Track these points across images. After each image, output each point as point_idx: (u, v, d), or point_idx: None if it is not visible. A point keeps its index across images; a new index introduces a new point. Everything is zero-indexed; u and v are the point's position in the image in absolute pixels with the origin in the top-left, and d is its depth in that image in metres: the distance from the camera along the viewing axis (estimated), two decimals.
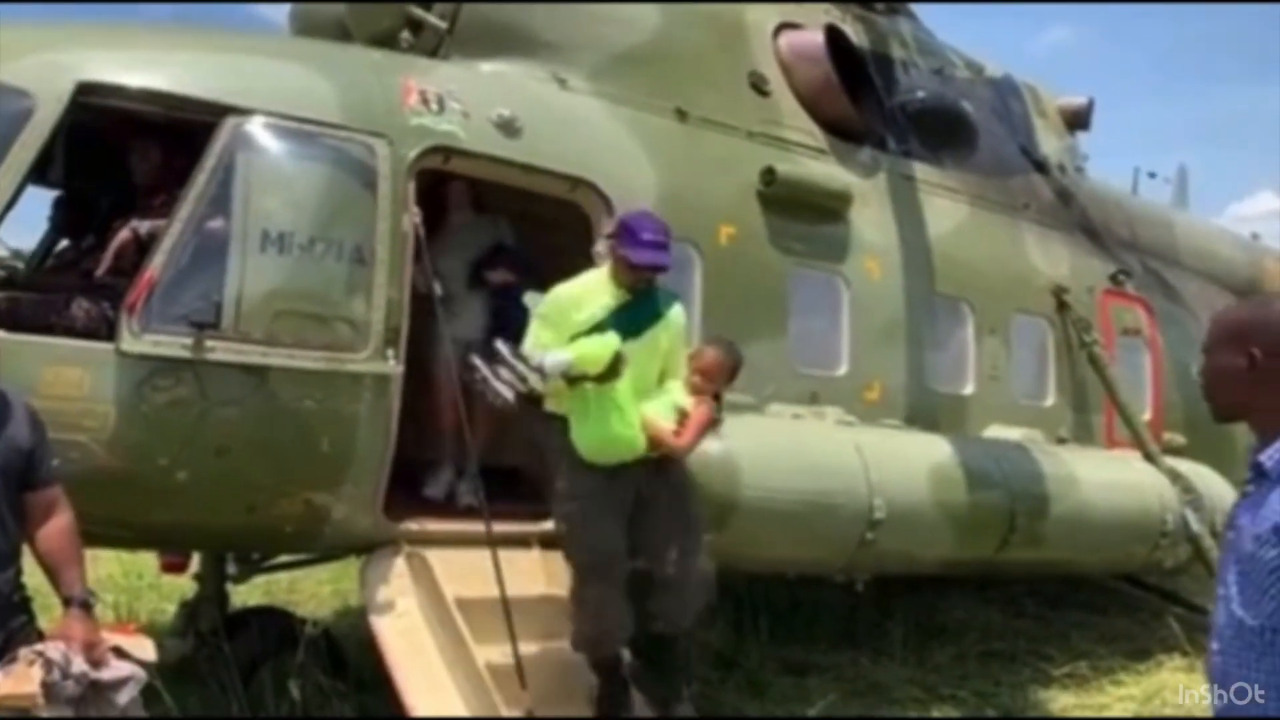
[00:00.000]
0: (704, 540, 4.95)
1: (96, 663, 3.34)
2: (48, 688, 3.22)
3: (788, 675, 6.62)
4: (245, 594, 6.85)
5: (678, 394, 4.97)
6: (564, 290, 4.93)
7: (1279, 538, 2.27)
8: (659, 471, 4.86)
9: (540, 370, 4.73)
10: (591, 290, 4.93)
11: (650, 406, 4.86)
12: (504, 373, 4.93)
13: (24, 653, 3.28)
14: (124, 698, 3.40)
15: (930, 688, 6.67)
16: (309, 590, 8.29)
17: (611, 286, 4.91)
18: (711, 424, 5.02)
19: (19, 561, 3.43)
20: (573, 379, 4.72)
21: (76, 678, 3.28)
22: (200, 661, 5.44)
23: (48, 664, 3.25)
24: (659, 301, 5.00)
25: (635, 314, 4.89)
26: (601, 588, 4.71)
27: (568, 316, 4.83)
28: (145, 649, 3.56)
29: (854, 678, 6.73)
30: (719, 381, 5.07)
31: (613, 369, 4.68)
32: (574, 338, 4.77)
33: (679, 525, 4.86)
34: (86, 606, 3.42)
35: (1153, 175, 11.83)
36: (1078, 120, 9.55)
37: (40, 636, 3.38)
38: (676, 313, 5.07)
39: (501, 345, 4.96)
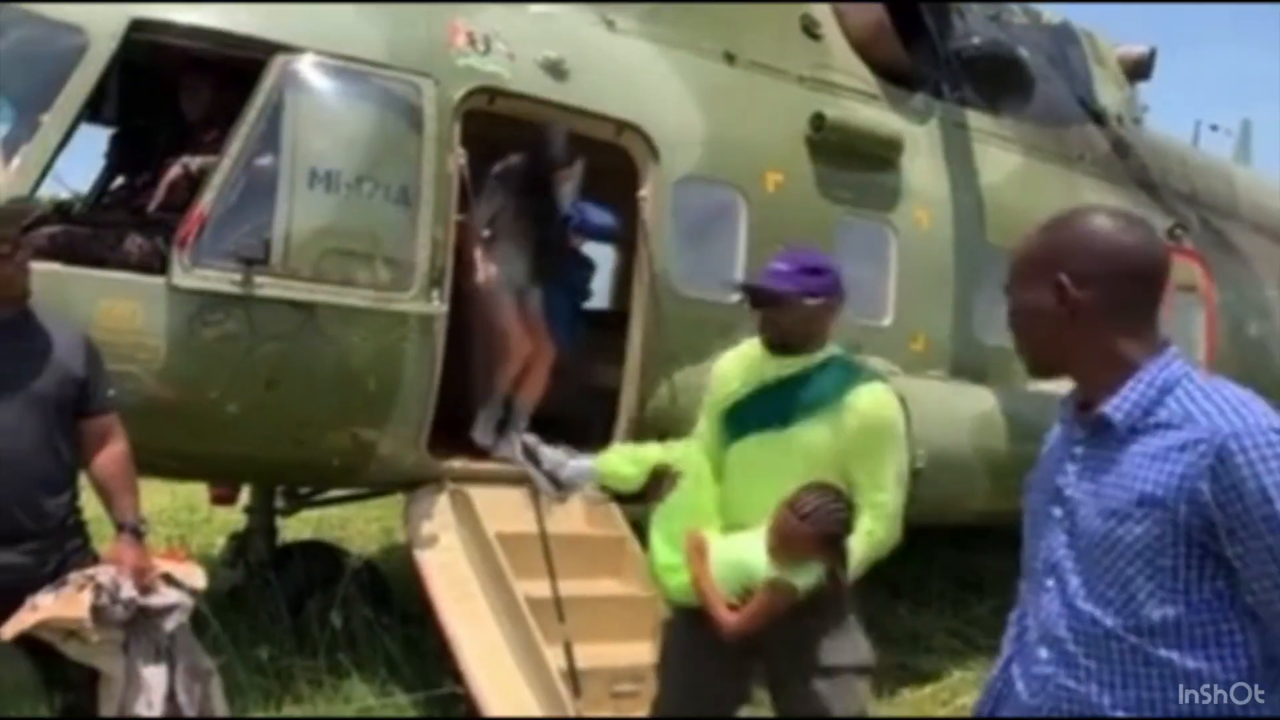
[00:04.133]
0: None
1: (146, 589, 3.43)
2: (97, 612, 3.31)
3: None
4: (297, 529, 7.00)
5: (753, 548, 3.19)
6: (726, 355, 3.61)
7: (1146, 511, 1.78)
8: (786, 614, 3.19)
9: (554, 480, 3.63)
10: (744, 357, 3.52)
11: (729, 548, 3.26)
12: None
13: (74, 577, 3.38)
14: (171, 624, 3.48)
15: (969, 639, 6.69)
16: (358, 527, 8.45)
17: (765, 353, 3.44)
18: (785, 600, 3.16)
19: (74, 487, 3.53)
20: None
21: (125, 603, 3.36)
22: (250, 592, 5.57)
23: (97, 589, 3.34)
24: (835, 381, 3.34)
25: (789, 394, 3.34)
26: None
27: (715, 392, 3.53)
28: (195, 577, 3.64)
29: (891, 627, 6.76)
30: (802, 553, 3.13)
31: (649, 491, 3.46)
32: (718, 420, 3.47)
33: (807, 694, 3.28)
34: (138, 533, 3.51)
35: (1214, 128, 11.55)
36: (1138, 70, 9.32)
37: (96, 560, 3.48)
38: (858, 399, 3.29)
39: (526, 441, 3.82)
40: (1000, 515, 6.86)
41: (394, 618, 5.33)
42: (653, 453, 3.54)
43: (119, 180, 5.90)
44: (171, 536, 7.27)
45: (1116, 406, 1.86)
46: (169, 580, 3.55)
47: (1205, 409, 1.82)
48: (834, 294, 3.48)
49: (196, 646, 3.63)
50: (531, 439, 3.86)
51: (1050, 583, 1.90)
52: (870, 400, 3.32)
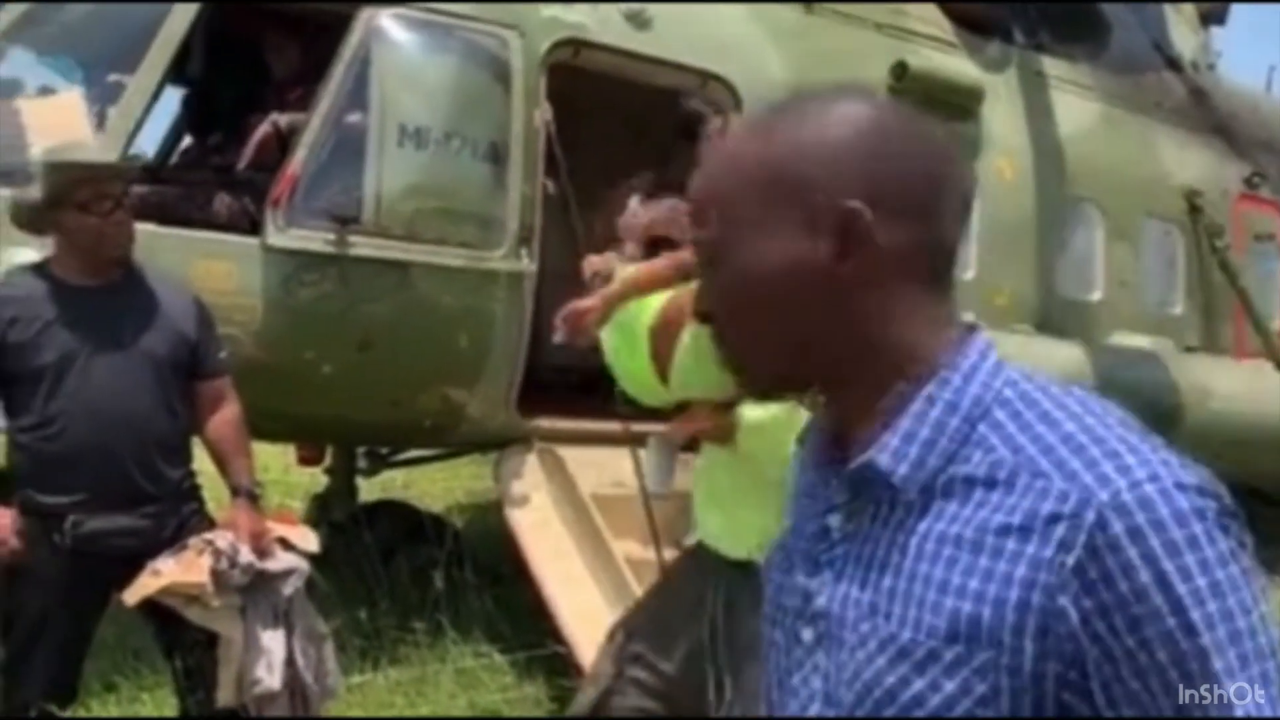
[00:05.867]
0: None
1: (262, 553, 3.40)
2: (216, 576, 3.28)
3: None
4: (364, 490, 6.96)
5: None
6: None
7: (964, 652, 0.96)
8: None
9: None
10: None
11: None
12: None
13: (193, 542, 3.34)
14: (289, 589, 3.46)
15: None
16: (423, 488, 8.44)
17: None
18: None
19: (189, 450, 3.49)
20: None
21: (244, 567, 3.33)
22: (335, 552, 5.55)
23: (216, 553, 3.31)
24: None
25: None
26: None
27: None
28: (308, 540, 3.61)
29: None
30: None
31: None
32: None
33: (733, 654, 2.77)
34: (253, 497, 3.48)
35: None
36: (1212, 15, 9.08)
37: (211, 524, 3.44)
38: None
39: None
40: None
41: (483, 578, 5.30)
42: None
43: (186, 140, 5.85)
44: None
45: (897, 453, 1.02)
46: (284, 544, 3.53)
47: (1051, 448, 0.98)
48: None
49: (312, 610, 3.60)
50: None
51: None
52: None
